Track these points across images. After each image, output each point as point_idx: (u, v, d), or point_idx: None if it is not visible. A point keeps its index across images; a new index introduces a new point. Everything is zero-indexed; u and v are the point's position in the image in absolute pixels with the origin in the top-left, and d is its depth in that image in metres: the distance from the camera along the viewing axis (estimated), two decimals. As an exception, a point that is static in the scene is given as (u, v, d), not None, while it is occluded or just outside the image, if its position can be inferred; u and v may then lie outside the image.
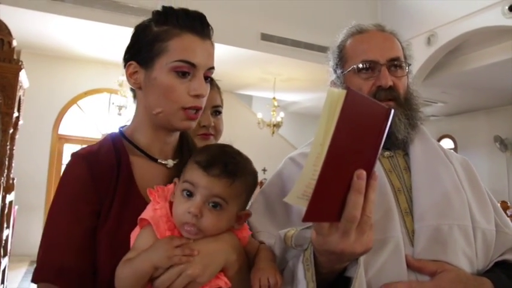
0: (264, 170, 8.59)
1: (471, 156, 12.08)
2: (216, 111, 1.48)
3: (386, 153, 1.15)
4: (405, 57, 1.22)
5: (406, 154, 1.15)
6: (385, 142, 1.12)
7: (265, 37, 7.50)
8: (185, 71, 0.97)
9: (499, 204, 1.18)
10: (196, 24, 1.01)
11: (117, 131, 1.09)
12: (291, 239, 0.88)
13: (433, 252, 0.97)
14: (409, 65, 1.21)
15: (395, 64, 1.17)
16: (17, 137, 5.42)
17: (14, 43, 5.14)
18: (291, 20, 7.65)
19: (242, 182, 0.88)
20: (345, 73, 1.20)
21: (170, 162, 1.04)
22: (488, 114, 11.77)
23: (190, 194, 0.86)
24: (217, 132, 1.48)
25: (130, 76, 1.03)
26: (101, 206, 0.93)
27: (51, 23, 6.43)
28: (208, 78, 1.03)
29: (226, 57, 8.03)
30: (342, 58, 1.22)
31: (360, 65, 1.15)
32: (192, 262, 0.81)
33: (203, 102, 1.01)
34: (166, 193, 0.92)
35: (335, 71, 1.25)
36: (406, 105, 1.18)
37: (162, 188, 0.93)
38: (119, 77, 7.62)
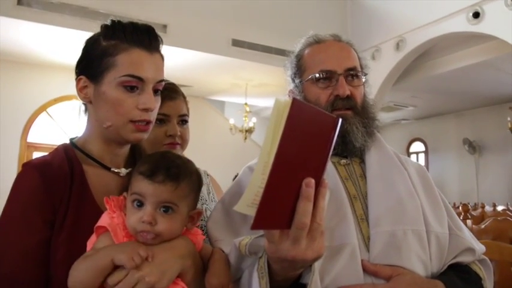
0: (237, 176, 8.59)
1: (441, 159, 12.41)
2: (183, 120, 1.48)
3: (343, 161, 1.17)
4: (361, 67, 1.24)
5: (363, 162, 1.18)
6: (342, 150, 1.15)
7: (236, 43, 7.53)
8: (133, 85, 0.98)
9: (453, 209, 1.21)
10: (144, 38, 1.01)
11: (67, 142, 1.09)
12: (245, 247, 0.89)
13: (389, 257, 0.99)
14: (365, 74, 1.24)
15: (352, 74, 1.19)
16: (-17, 145, 5.30)
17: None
18: (261, 25, 7.70)
19: (187, 183, 0.91)
20: (303, 82, 1.22)
21: (123, 171, 1.05)
22: (457, 117, 12.07)
23: (140, 204, 0.88)
24: (184, 141, 1.48)
25: (80, 90, 1.03)
26: (55, 216, 0.93)
27: (19, 28, 6.30)
28: (159, 91, 1.04)
29: (197, 63, 8.03)
30: (300, 67, 1.24)
31: (318, 75, 1.17)
32: (150, 269, 0.82)
33: (152, 115, 1.02)
34: (121, 203, 0.93)
35: (293, 80, 1.26)
36: (363, 113, 1.20)
37: (117, 198, 0.94)
38: (90, 83, 7.53)
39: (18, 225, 0.91)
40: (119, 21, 1.02)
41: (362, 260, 0.98)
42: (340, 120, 0.73)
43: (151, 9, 6.96)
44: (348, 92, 1.16)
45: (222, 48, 7.56)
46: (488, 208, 7.16)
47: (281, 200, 0.70)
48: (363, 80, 1.22)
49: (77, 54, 1.06)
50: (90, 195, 0.98)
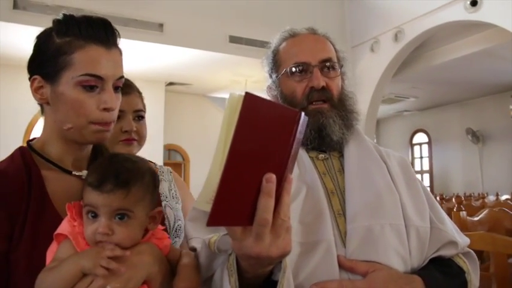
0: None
1: (445, 149, 12.36)
2: (139, 115, 1.45)
3: (321, 155, 1.15)
4: (338, 59, 1.22)
5: (342, 156, 1.16)
6: (319, 144, 1.13)
7: (234, 39, 7.50)
8: (92, 84, 0.94)
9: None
10: (101, 33, 0.96)
11: (25, 145, 1.04)
12: (214, 244, 0.87)
13: (365, 252, 0.97)
14: (341, 66, 1.22)
15: (328, 65, 1.18)
16: (-17, 150, 5.32)
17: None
18: (258, 21, 7.66)
19: (139, 186, 0.87)
20: (279, 77, 1.20)
21: (85, 173, 0.98)
22: (459, 107, 12.00)
23: (94, 215, 0.85)
24: (141, 137, 1.44)
25: (35, 91, 0.98)
26: (13, 228, 0.89)
27: (15, 32, 6.31)
28: (119, 88, 1.00)
29: (195, 61, 8.01)
30: (276, 62, 1.23)
31: (293, 68, 1.16)
32: (115, 277, 0.79)
33: (114, 115, 0.98)
34: (82, 209, 0.89)
35: (270, 76, 1.25)
36: (340, 106, 1.18)
37: (79, 204, 0.90)
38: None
39: None
40: (72, 16, 0.97)
41: (338, 256, 0.96)
42: (303, 114, 0.71)
43: (146, 9, 6.94)
44: (322, 83, 1.14)
45: (219, 45, 7.53)
46: (492, 197, 7.12)
47: (240, 196, 0.68)
48: (339, 71, 1.20)
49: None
50: (49, 203, 0.94)
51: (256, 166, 0.68)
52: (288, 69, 1.16)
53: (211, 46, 7.51)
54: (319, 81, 1.13)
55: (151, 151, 9.28)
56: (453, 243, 1.08)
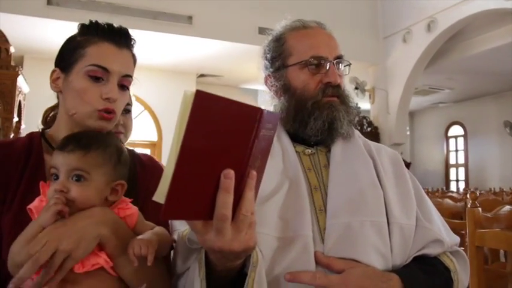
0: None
1: (481, 143, 11.99)
2: (125, 109, 1.50)
3: (308, 150, 1.15)
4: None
5: (329, 151, 1.16)
6: (326, 135, 1.13)
7: (263, 31, 7.47)
8: (98, 75, 1.02)
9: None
10: (115, 35, 1.07)
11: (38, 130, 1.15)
12: (185, 237, 0.90)
13: (343, 249, 0.97)
14: (349, 64, 1.21)
15: (340, 63, 1.18)
16: (18, 141, 5.54)
17: (12, 50, 5.24)
18: (288, 12, 7.59)
19: (99, 152, 0.93)
20: (287, 67, 1.18)
21: None
22: (497, 99, 11.59)
23: (56, 177, 0.92)
24: (127, 129, 1.51)
25: (53, 82, 1.10)
26: (5, 195, 0.99)
27: (49, 27, 6.52)
28: (125, 87, 1.08)
29: (225, 53, 8.05)
30: (284, 52, 1.19)
31: (311, 60, 1.14)
32: (66, 238, 0.84)
33: (116, 106, 1.05)
34: None
35: (272, 65, 1.21)
36: (347, 102, 1.18)
37: None
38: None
39: None
40: (96, 21, 1.09)
41: (315, 252, 0.97)
42: (267, 111, 0.72)
43: (176, 1, 7.02)
44: (339, 80, 1.15)
45: (248, 36, 7.53)
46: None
47: (196, 190, 0.70)
48: (347, 70, 1.21)
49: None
50: (42, 180, 1.01)
51: (212, 162, 0.70)
52: (305, 61, 1.15)
53: (241, 38, 7.53)
54: (337, 77, 1.14)
55: (181, 143, 9.54)
56: (439, 241, 1.06)
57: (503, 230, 2.12)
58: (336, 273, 0.95)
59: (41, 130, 1.15)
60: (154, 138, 9.30)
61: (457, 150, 13.17)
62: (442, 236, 1.07)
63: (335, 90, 1.15)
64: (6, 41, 5.20)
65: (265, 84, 1.25)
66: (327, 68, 1.14)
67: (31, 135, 1.11)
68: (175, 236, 1.00)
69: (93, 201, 0.92)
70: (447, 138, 13.39)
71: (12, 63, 5.20)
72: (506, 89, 10.94)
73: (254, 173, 0.74)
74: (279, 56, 1.20)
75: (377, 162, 1.13)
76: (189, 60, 8.60)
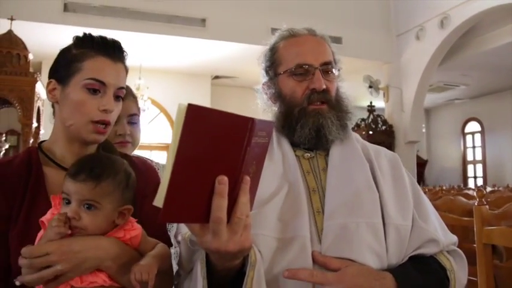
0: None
1: (499, 139, 11.85)
2: (132, 121, 1.56)
3: (307, 154, 1.20)
4: (335, 62, 1.26)
5: (328, 155, 1.20)
6: (315, 142, 1.18)
7: (275, 31, 7.52)
8: (96, 88, 1.08)
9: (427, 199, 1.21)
10: (110, 49, 1.12)
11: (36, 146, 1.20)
12: (187, 239, 0.96)
13: (340, 249, 1.02)
14: (339, 69, 1.25)
15: (328, 68, 1.22)
16: (38, 146, 5.69)
17: (30, 57, 5.39)
18: (300, 12, 7.63)
19: (109, 181, 0.98)
20: (278, 75, 1.24)
21: None
22: (514, 94, 11.44)
23: (68, 202, 0.98)
24: (134, 140, 1.56)
25: (49, 92, 1.15)
26: (10, 210, 1.05)
27: (65, 33, 6.60)
28: (120, 98, 1.14)
29: (239, 55, 8.12)
30: (275, 61, 1.26)
31: (295, 69, 1.20)
32: (65, 260, 0.91)
33: (111, 117, 1.11)
34: None
35: (267, 73, 1.29)
36: (337, 107, 1.22)
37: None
38: (136, 80, 7.83)
39: None
40: (90, 34, 1.14)
41: (313, 252, 1.02)
42: (258, 120, 0.77)
43: (189, 5, 7.11)
44: (324, 86, 1.18)
45: (261, 38, 7.45)
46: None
47: (192, 195, 0.76)
48: (337, 74, 1.24)
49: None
50: (44, 194, 1.08)
51: (207, 169, 0.76)
52: (290, 69, 1.20)
53: (254, 39, 7.55)
54: (321, 83, 1.18)
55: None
56: (434, 241, 1.10)
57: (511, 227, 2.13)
58: (332, 272, 1.00)
59: (38, 144, 1.19)
60: (170, 140, 9.44)
61: (474, 147, 13.05)
62: (437, 236, 1.11)
63: (321, 96, 1.19)
64: (25, 48, 5.35)
65: (262, 92, 1.31)
66: (313, 75, 1.19)
67: (28, 150, 1.16)
68: (179, 238, 1.06)
69: (102, 226, 0.99)
70: (464, 134, 13.27)
71: (31, 70, 5.35)
72: (523, 84, 10.81)
73: (248, 178, 0.80)
74: (271, 65, 1.27)
75: (374, 165, 1.17)
76: (203, 62, 8.70)
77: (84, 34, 1.14)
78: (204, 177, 0.76)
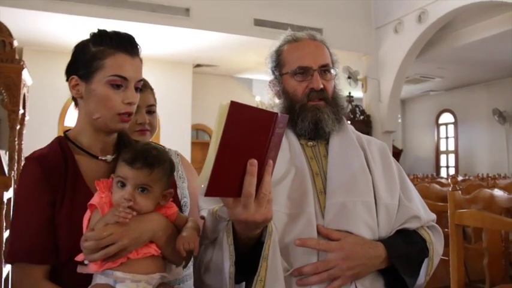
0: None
1: (471, 130, 12.30)
2: (151, 110, 1.71)
3: (310, 143, 1.38)
4: (332, 63, 1.44)
5: (328, 143, 1.39)
6: (314, 135, 1.36)
7: (259, 22, 7.67)
8: (119, 83, 1.18)
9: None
10: (127, 45, 1.21)
11: (62, 135, 1.32)
12: (216, 213, 1.14)
13: (339, 223, 1.21)
14: (336, 70, 1.43)
15: (325, 70, 1.40)
16: (24, 132, 5.72)
17: (15, 43, 5.37)
18: (283, 4, 7.79)
19: (160, 169, 1.13)
20: (282, 75, 1.42)
21: (109, 158, 1.26)
22: (486, 87, 11.87)
23: (123, 185, 1.12)
24: (153, 128, 1.71)
25: (73, 88, 1.22)
26: (55, 197, 1.16)
27: (49, 20, 6.67)
28: (138, 89, 1.25)
29: (222, 44, 8.24)
30: (280, 62, 1.43)
31: (296, 70, 1.38)
32: (126, 236, 1.06)
33: (134, 108, 1.24)
34: (110, 185, 1.16)
35: (273, 73, 1.46)
36: (334, 103, 1.40)
37: (106, 180, 1.17)
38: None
39: (29, 206, 1.16)
40: (105, 30, 1.24)
41: (317, 225, 1.21)
42: (280, 115, 0.94)
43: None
44: (321, 86, 1.36)
45: (244, 28, 7.71)
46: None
47: (230, 175, 0.94)
48: (334, 74, 1.42)
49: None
50: (82, 180, 1.21)
51: (241, 154, 0.94)
52: (292, 71, 1.38)
53: (237, 29, 7.71)
54: (319, 84, 1.35)
55: (179, 131, 9.58)
56: (417, 217, 1.30)
57: (480, 210, 2.37)
58: (334, 241, 1.19)
59: (64, 134, 1.30)
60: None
61: (447, 137, 13.50)
62: (419, 213, 1.31)
63: (319, 94, 1.37)
64: (10, 35, 5.33)
65: (270, 88, 1.49)
66: (312, 75, 1.37)
67: (59, 140, 1.27)
68: (204, 213, 1.23)
69: (152, 208, 1.14)
70: (438, 125, 13.69)
71: (17, 57, 5.36)
72: (495, 78, 11.22)
73: (271, 161, 0.98)
74: (277, 66, 1.44)
75: (367, 153, 1.36)
76: (186, 51, 8.76)
77: (100, 31, 1.23)
78: (239, 161, 0.94)
